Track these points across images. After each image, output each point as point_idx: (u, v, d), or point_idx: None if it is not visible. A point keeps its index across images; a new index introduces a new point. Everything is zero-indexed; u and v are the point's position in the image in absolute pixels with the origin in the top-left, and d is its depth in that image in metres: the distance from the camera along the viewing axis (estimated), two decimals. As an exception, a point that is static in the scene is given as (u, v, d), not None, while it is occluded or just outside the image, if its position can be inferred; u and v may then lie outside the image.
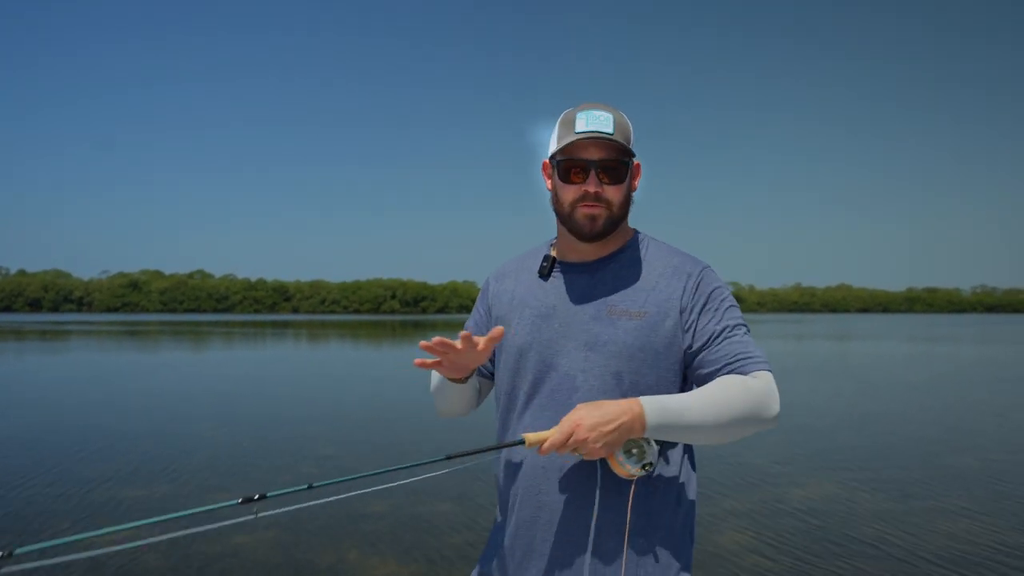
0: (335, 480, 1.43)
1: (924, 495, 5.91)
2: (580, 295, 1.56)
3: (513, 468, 1.57)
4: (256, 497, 1.36)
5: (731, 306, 1.53)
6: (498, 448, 1.45)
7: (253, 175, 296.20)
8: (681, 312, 1.50)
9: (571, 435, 1.37)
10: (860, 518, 5.27)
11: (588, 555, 1.45)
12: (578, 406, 1.41)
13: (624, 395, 1.48)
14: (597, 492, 1.46)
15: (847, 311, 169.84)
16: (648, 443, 1.44)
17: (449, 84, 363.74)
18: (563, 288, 1.58)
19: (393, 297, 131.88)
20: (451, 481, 6.19)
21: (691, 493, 1.56)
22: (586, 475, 1.47)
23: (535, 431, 1.50)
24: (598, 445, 1.37)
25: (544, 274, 1.62)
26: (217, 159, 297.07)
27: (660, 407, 1.40)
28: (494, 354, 1.68)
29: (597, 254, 1.59)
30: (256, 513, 1.34)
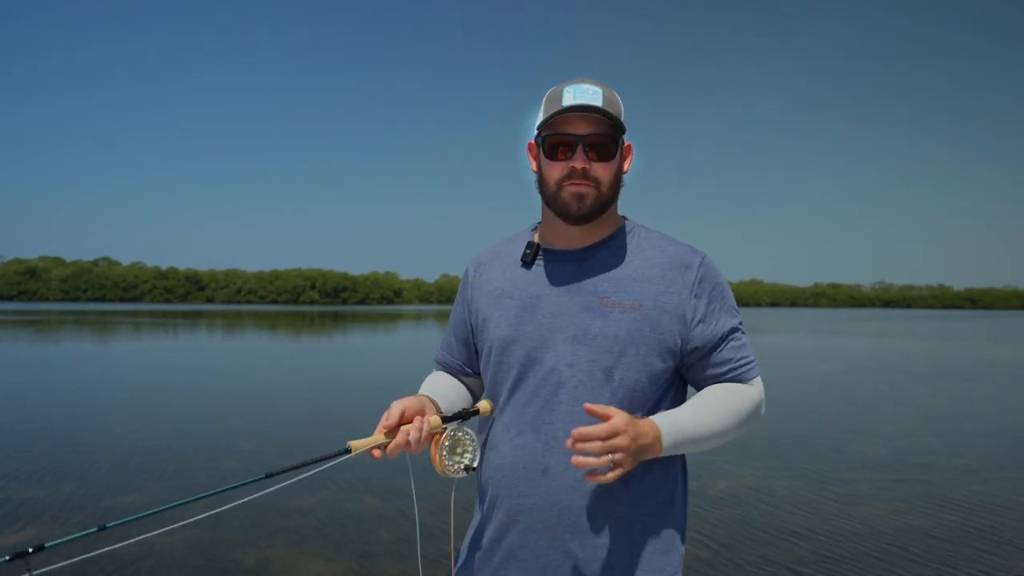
0: (131, 518, 1.22)
1: (836, 482, 6.22)
2: (568, 285, 1.45)
3: (494, 467, 1.46)
4: (31, 550, 1.13)
5: (732, 305, 1.48)
6: (322, 460, 1.29)
7: (164, 162, 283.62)
8: (682, 309, 1.42)
9: (613, 434, 1.24)
10: (779, 505, 5.50)
11: (571, 560, 1.38)
12: (618, 414, 1.27)
13: (613, 392, 1.39)
14: (584, 495, 1.38)
15: (759, 305, 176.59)
16: (474, 445, 1.45)
17: (370, 74, 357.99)
18: (549, 277, 1.48)
19: (313, 287, 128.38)
20: (380, 474, 6.10)
21: (684, 497, 1.49)
22: (571, 477, 1.38)
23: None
24: (627, 458, 1.26)
25: (528, 261, 1.51)
26: (127, 144, 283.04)
27: (674, 428, 1.35)
28: (480, 351, 1.56)
29: (585, 241, 1.48)
30: (30, 571, 1.12)
